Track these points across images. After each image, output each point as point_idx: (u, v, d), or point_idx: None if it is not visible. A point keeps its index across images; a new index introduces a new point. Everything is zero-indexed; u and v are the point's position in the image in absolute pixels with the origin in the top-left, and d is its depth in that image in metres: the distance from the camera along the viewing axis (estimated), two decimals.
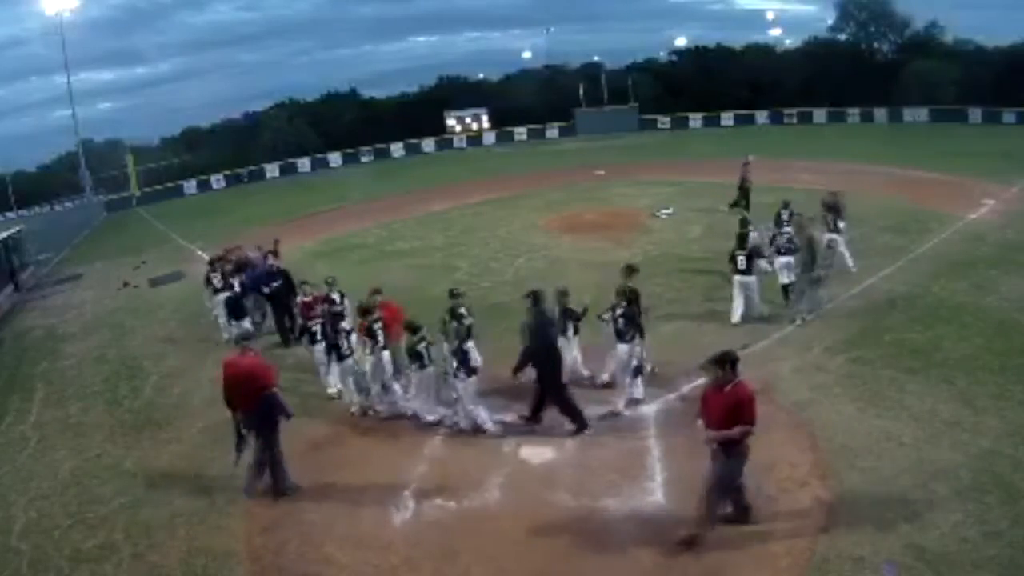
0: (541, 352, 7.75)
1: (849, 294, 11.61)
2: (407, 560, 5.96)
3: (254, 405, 6.91)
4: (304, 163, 48.30)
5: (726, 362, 5.59)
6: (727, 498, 5.85)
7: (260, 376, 6.97)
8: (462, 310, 9.12)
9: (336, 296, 10.37)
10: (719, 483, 5.71)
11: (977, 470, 6.41)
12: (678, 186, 24.04)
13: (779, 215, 12.61)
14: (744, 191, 18.01)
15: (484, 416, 7.95)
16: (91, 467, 8.20)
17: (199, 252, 21.69)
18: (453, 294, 9.43)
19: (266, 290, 11.69)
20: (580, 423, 7.78)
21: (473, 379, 7.98)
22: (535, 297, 8.06)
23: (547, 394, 7.84)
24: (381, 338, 8.64)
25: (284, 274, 11.87)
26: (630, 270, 9.16)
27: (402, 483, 7.08)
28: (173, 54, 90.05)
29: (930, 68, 42.66)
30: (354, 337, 8.93)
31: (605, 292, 10.87)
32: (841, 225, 12.90)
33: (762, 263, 11.12)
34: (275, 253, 12.40)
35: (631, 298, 8.54)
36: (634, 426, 7.85)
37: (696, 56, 58.56)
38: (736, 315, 10.75)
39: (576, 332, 8.91)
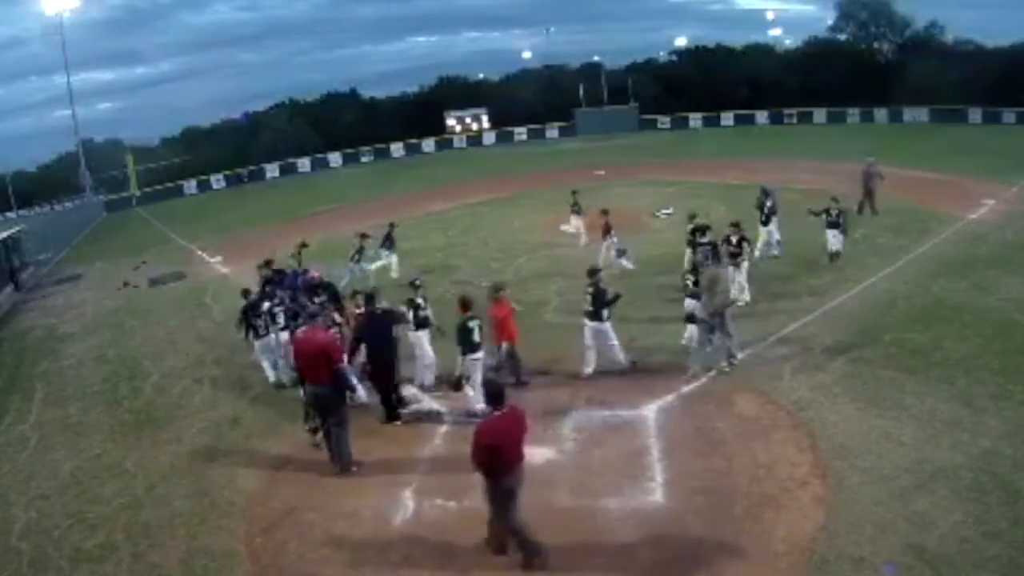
0: (373, 348, 8.29)
1: (849, 294, 11.62)
2: (407, 560, 5.95)
3: (327, 379, 7.21)
4: (304, 163, 48.36)
5: (485, 391, 5.92)
6: (505, 521, 5.60)
7: (333, 352, 7.34)
8: (603, 286, 9.17)
9: (421, 300, 9.39)
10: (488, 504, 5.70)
11: (977, 470, 6.41)
12: (678, 186, 24.06)
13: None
14: (869, 193, 17.01)
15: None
16: (91, 467, 8.19)
17: (199, 252, 21.72)
18: (592, 272, 9.22)
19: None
20: (392, 416, 8.39)
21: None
22: (368, 297, 8.75)
23: (383, 382, 8.42)
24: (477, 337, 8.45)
25: (328, 287, 10.74)
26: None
27: (402, 483, 7.08)
28: (173, 54, 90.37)
29: (930, 68, 42.64)
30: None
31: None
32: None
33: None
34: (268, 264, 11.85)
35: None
36: (634, 426, 7.85)
37: (696, 56, 58.61)
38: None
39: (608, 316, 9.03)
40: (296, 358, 7.56)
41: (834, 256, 13.36)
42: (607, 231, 14.35)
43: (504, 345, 8.77)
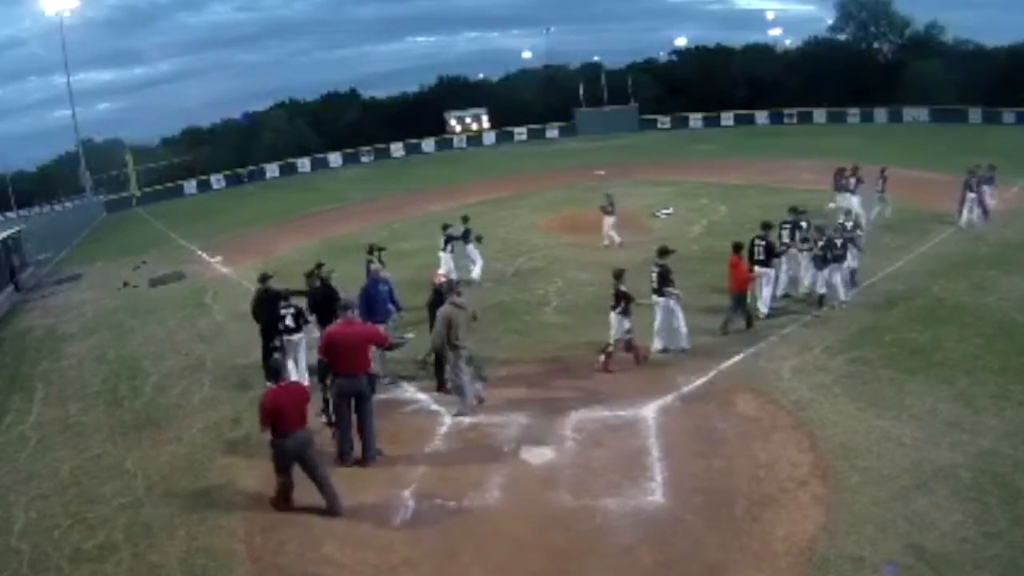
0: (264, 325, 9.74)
1: (849, 294, 11.60)
2: (407, 560, 5.95)
3: (364, 368, 7.44)
4: (304, 163, 48.40)
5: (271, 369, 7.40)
6: (282, 475, 6.67)
7: (378, 337, 7.85)
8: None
9: (671, 266, 9.58)
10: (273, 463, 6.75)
11: (977, 470, 6.41)
12: (678, 186, 24.05)
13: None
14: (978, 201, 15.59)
15: None
16: (91, 467, 8.19)
17: (199, 252, 21.73)
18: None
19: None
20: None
21: None
22: (262, 278, 10.11)
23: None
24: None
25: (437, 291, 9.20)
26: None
27: (402, 483, 7.07)
28: (172, 54, 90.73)
29: (930, 68, 42.67)
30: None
31: (603, 290, 10.96)
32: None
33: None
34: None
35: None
36: (634, 426, 7.85)
37: (696, 56, 58.71)
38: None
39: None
40: (329, 349, 7.32)
41: (817, 298, 10.92)
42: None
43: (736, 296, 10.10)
